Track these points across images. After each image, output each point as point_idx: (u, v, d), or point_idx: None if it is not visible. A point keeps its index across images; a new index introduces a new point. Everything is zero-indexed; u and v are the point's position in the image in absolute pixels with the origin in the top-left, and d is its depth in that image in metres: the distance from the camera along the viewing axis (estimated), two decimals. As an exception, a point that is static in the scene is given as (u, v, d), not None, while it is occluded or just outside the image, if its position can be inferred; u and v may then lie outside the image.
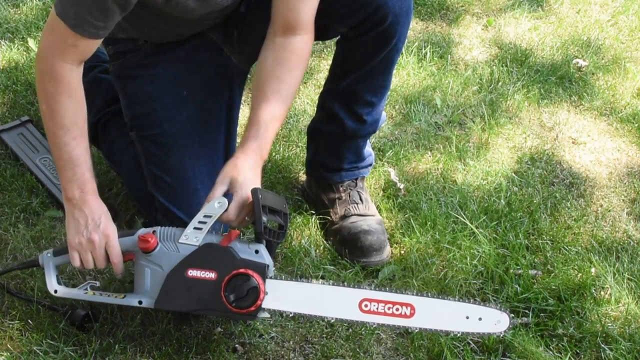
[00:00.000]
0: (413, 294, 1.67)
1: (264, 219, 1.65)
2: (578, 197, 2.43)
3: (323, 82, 2.72)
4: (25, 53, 2.74)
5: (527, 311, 2.02)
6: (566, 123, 2.73)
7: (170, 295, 1.72)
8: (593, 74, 2.98)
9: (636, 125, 2.74)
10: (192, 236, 1.70)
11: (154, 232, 1.73)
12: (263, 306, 1.69)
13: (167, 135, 1.99)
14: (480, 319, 1.66)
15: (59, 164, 1.78)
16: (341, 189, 2.20)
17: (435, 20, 3.19)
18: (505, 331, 1.67)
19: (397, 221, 2.25)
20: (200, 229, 1.69)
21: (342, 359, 1.87)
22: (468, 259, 2.12)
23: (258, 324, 1.92)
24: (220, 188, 1.72)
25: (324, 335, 1.92)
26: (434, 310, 1.68)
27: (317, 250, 2.13)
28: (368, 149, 2.24)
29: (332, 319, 1.77)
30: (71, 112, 1.74)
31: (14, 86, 2.58)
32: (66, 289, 1.82)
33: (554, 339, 1.96)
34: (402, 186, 2.35)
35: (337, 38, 2.05)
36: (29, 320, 1.86)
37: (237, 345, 1.88)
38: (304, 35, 1.86)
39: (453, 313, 1.67)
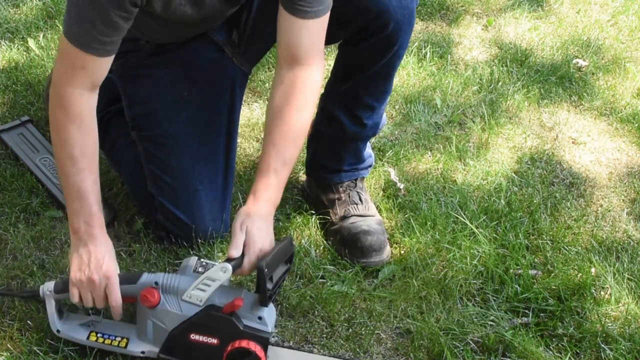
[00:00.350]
0: None
1: (269, 286, 1.63)
2: (578, 197, 2.43)
3: (324, 84, 2.73)
4: (25, 53, 2.74)
5: (527, 311, 2.02)
6: (566, 123, 2.73)
7: (172, 351, 1.72)
8: (593, 74, 2.98)
9: (636, 125, 2.74)
10: (196, 297, 1.66)
11: (156, 283, 1.69)
12: None
13: (167, 135, 1.99)
14: None
15: (66, 194, 1.75)
16: (341, 189, 2.20)
17: (435, 20, 3.19)
18: None
19: (397, 221, 2.25)
20: (203, 290, 1.65)
21: (342, 359, 1.87)
22: (468, 259, 2.12)
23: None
24: (240, 237, 1.69)
25: (324, 335, 1.92)
26: None
27: (317, 250, 2.13)
28: (368, 151, 2.24)
29: None
30: (80, 142, 1.70)
31: (14, 86, 2.58)
32: (68, 329, 1.79)
33: (554, 339, 1.96)
34: (402, 186, 2.36)
35: (340, 42, 2.05)
36: (29, 321, 1.86)
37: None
38: (311, 66, 1.80)
39: None
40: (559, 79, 2.92)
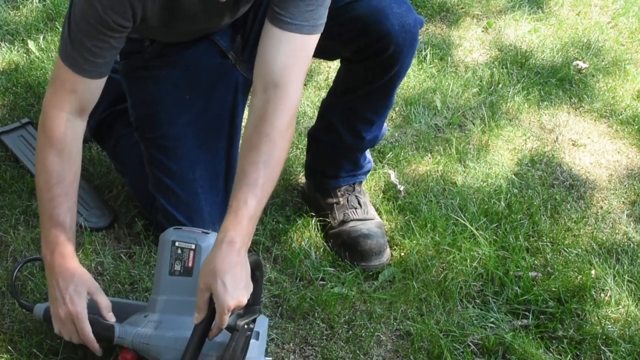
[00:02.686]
0: None
1: (240, 324, 1.57)
2: (578, 199, 2.43)
3: (323, 84, 2.73)
4: (25, 55, 2.74)
5: (527, 313, 2.02)
6: (566, 125, 2.73)
7: None
8: (593, 76, 2.98)
9: (636, 127, 2.74)
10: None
11: (130, 345, 1.66)
12: None
13: (168, 138, 1.99)
14: None
15: (41, 217, 1.73)
16: (339, 193, 2.20)
17: (435, 22, 3.19)
18: None
19: (397, 223, 2.25)
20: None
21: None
22: (468, 261, 2.12)
23: (258, 326, 1.92)
24: (204, 296, 1.57)
25: (324, 337, 1.92)
26: None
27: (317, 252, 2.13)
28: (367, 156, 2.24)
29: None
30: (58, 169, 1.69)
31: (14, 88, 2.58)
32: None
33: (554, 341, 1.96)
34: (402, 188, 2.36)
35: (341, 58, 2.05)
36: (29, 323, 1.85)
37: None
38: (285, 90, 1.69)
39: None
40: (559, 81, 2.92)
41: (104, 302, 1.71)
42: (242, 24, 1.99)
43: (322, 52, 1.95)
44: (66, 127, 1.69)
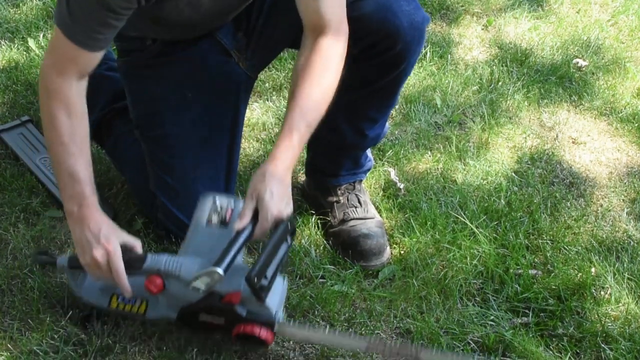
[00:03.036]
0: (418, 346, 1.70)
1: (264, 284, 1.63)
2: (578, 197, 2.43)
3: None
4: (25, 53, 2.74)
5: (527, 311, 2.02)
6: (566, 123, 2.73)
7: (186, 323, 1.77)
8: (593, 73, 2.98)
9: (636, 125, 2.74)
10: (195, 288, 1.65)
11: (158, 270, 1.70)
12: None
13: (170, 136, 1.99)
14: None
15: (58, 179, 1.75)
16: (339, 192, 2.20)
17: (435, 20, 3.19)
18: None
19: (397, 221, 2.25)
20: (202, 283, 1.63)
21: (342, 359, 1.87)
22: (468, 258, 2.12)
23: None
24: (250, 204, 1.66)
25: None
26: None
27: (317, 250, 2.13)
28: (367, 155, 2.24)
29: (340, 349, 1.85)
30: (69, 128, 1.71)
31: (14, 86, 2.58)
32: (90, 295, 1.82)
33: (554, 339, 1.96)
34: (402, 186, 2.36)
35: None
36: (29, 320, 1.86)
37: (237, 347, 1.88)
38: (332, 34, 1.78)
39: None
40: (559, 79, 2.92)
41: (133, 241, 1.75)
42: (246, 22, 1.98)
43: None
44: (70, 88, 1.70)
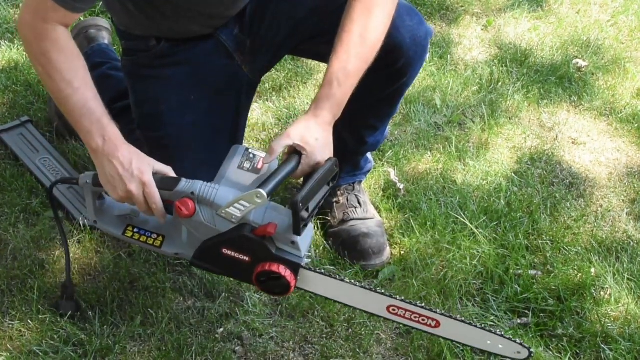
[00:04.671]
0: (440, 313, 1.65)
1: (304, 216, 1.59)
2: (578, 197, 2.43)
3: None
4: (25, 54, 2.73)
5: (527, 311, 2.02)
6: (566, 123, 2.73)
7: (205, 259, 1.69)
8: (593, 74, 2.98)
9: (636, 125, 2.74)
10: (230, 215, 1.62)
11: (192, 193, 1.65)
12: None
13: (171, 137, 1.99)
14: (501, 346, 1.65)
15: (72, 120, 1.71)
16: (338, 192, 2.20)
17: (435, 21, 3.19)
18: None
19: (397, 221, 2.25)
20: (238, 210, 1.61)
21: (342, 359, 1.87)
22: (468, 259, 2.12)
23: (257, 324, 1.92)
24: (286, 141, 1.65)
25: (324, 336, 1.92)
26: (458, 329, 1.65)
27: (317, 251, 2.13)
28: (367, 157, 2.24)
29: (359, 310, 1.78)
30: (67, 66, 1.67)
31: (13, 86, 2.58)
32: (105, 222, 1.77)
33: (553, 339, 1.96)
34: (402, 186, 2.36)
35: None
36: (29, 321, 1.86)
37: (236, 347, 1.88)
38: None
39: (475, 335, 1.65)
40: (559, 79, 2.92)
41: (164, 168, 1.72)
42: (249, 26, 1.99)
43: None
44: (57, 33, 1.67)
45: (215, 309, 1.94)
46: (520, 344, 1.62)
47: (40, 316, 1.86)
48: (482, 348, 1.68)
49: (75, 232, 2.10)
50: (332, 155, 1.69)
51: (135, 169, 1.64)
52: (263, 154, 1.70)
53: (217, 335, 1.88)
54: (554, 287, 2.07)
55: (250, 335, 1.90)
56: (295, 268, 1.62)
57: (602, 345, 1.93)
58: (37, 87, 2.57)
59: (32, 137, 2.36)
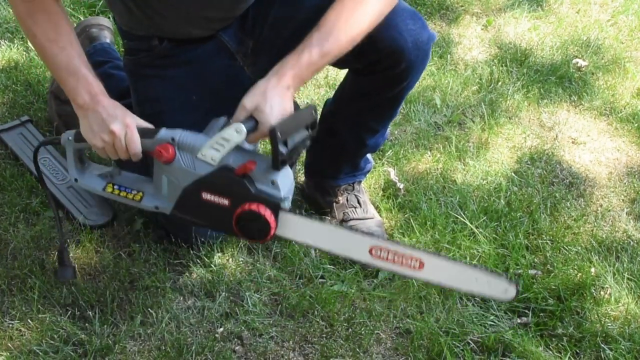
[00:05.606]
0: (424, 251, 1.60)
1: (283, 151, 1.58)
2: (578, 197, 2.43)
3: (322, 82, 2.73)
4: (25, 53, 2.73)
5: (526, 311, 2.02)
6: (566, 123, 2.73)
7: (185, 209, 1.70)
8: (593, 73, 2.98)
9: (636, 125, 2.74)
10: (209, 156, 1.63)
11: (172, 139, 1.67)
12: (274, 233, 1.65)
13: None
14: (488, 283, 1.59)
15: (58, 77, 1.75)
16: (338, 192, 2.20)
17: (434, 20, 3.19)
18: (512, 299, 1.59)
19: (397, 221, 2.25)
20: (217, 150, 1.62)
21: (342, 359, 1.87)
22: (468, 258, 2.12)
23: (257, 323, 1.92)
24: (242, 113, 1.65)
25: (324, 335, 1.92)
26: (443, 269, 1.60)
27: (317, 250, 2.13)
28: (367, 157, 2.24)
29: (341, 256, 1.74)
30: (51, 25, 1.71)
31: (13, 86, 2.58)
32: (86, 179, 1.80)
33: (553, 339, 1.96)
34: (401, 186, 2.36)
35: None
36: (29, 320, 1.86)
37: (236, 347, 1.88)
38: None
39: (462, 274, 1.60)
40: (559, 79, 2.92)
41: (146, 124, 1.74)
42: (251, 28, 1.99)
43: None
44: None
45: (215, 308, 1.94)
46: (508, 280, 1.57)
47: (40, 316, 1.86)
48: (469, 289, 1.62)
49: (75, 232, 2.10)
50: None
51: (119, 114, 1.70)
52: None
53: (217, 335, 1.88)
54: (554, 287, 2.07)
55: (250, 334, 1.90)
56: (274, 208, 1.61)
57: (602, 345, 1.93)
58: (37, 87, 2.57)
59: (32, 137, 2.36)
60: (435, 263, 1.58)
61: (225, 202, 1.64)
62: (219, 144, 1.61)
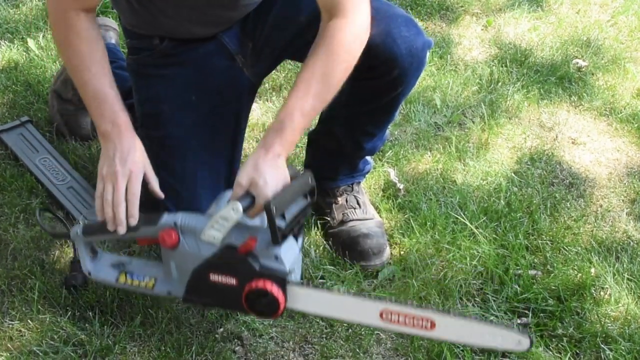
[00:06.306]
0: (434, 310, 1.63)
1: (281, 224, 1.60)
2: (578, 198, 2.43)
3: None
4: (24, 53, 2.74)
5: (526, 311, 2.02)
6: (566, 123, 2.73)
7: (195, 292, 1.72)
8: (593, 74, 2.98)
9: (636, 125, 2.74)
10: (211, 236, 1.65)
11: (175, 224, 1.69)
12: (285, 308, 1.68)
13: (173, 137, 1.99)
14: (502, 337, 1.61)
15: (87, 103, 1.79)
16: (337, 193, 2.20)
17: (434, 21, 3.19)
18: (527, 350, 1.61)
19: (397, 221, 2.25)
20: (218, 230, 1.64)
21: (342, 359, 1.87)
22: (468, 259, 2.12)
23: (258, 324, 1.92)
24: (239, 190, 1.65)
25: (324, 336, 1.92)
26: (455, 327, 1.62)
27: (317, 251, 2.13)
28: (366, 159, 2.24)
29: (353, 323, 1.77)
30: (85, 52, 1.75)
31: (13, 86, 2.58)
32: (99, 271, 1.82)
33: (553, 339, 1.96)
34: (401, 186, 2.36)
35: None
36: (29, 321, 1.86)
37: (236, 347, 1.88)
38: (347, 17, 1.71)
39: (474, 331, 1.61)
40: (559, 79, 2.92)
41: (153, 177, 1.77)
42: (252, 29, 1.99)
43: None
44: (77, 19, 1.75)
45: (215, 308, 1.94)
46: (519, 332, 1.59)
47: (40, 316, 1.86)
48: (482, 344, 1.65)
49: (75, 232, 2.10)
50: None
51: (130, 157, 1.71)
52: None
53: (217, 335, 1.88)
54: (553, 287, 2.07)
55: (250, 335, 1.90)
56: (281, 283, 1.63)
57: (602, 345, 1.93)
58: (36, 87, 2.57)
59: (32, 137, 2.36)
60: (446, 322, 1.60)
61: (233, 281, 1.67)
62: (219, 224, 1.63)
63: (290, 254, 1.66)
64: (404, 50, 1.86)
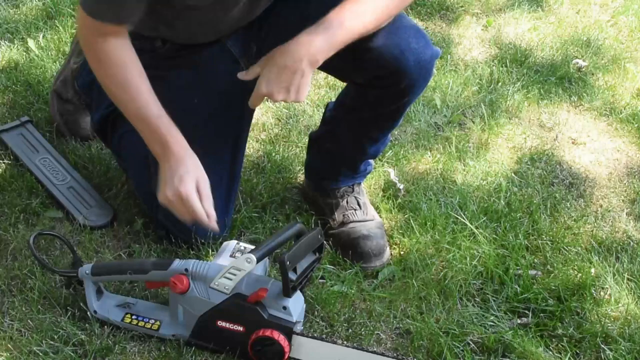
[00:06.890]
0: None
1: (292, 278, 1.68)
2: (578, 198, 2.43)
3: (322, 82, 2.74)
4: (25, 53, 2.74)
5: (526, 311, 2.02)
6: (566, 123, 2.73)
7: (202, 336, 1.78)
8: (593, 74, 2.98)
9: (636, 125, 2.74)
10: (222, 285, 1.71)
11: (186, 270, 1.75)
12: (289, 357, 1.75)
13: None
14: None
15: (135, 125, 1.82)
16: (337, 194, 2.20)
17: (434, 21, 3.19)
18: None
19: (397, 221, 2.25)
20: (229, 279, 1.71)
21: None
22: (468, 259, 2.12)
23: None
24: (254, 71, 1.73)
25: (324, 336, 1.92)
26: None
27: (317, 251, 2.13)
28: (367, 160, 2.25)
29: None
30: (121, 74, 1.79)
31: (13, 86, 2.58)
32: (104, 310, 1.85)
33: (553, 339, 1.96)
34: (401, 186, 2.35)
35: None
36: (29, 321, 1.86)
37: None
38: None
39: None
40: (559, 79, 2.92)
41: (206, 194, 1.81)
42: (257, 33, 1.99)
43: (334, 70, 1.94)
44: (110, 44, 1.78)
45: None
46: None
47: (40, 317, 1.86)
48: None
49: (75, 232, 2.10)
50: (295, 96, 1.74)
51: (180, 184, 1.78)
52: (252, 247, 1.78)
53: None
54: (554, 287, 2.07)
55: (250, 335, 1.90)
56: (287, 332, 1.70)
57: (602, 345, 1.93)
58: (36, 87, 2.57)
59: (32, 137, 2.36)
60: None
61: (240, 328, 1.73)
62: (231, 274, 1.70)
63: (297, 306, 1.74)
64: (412, 63, 1.86)
